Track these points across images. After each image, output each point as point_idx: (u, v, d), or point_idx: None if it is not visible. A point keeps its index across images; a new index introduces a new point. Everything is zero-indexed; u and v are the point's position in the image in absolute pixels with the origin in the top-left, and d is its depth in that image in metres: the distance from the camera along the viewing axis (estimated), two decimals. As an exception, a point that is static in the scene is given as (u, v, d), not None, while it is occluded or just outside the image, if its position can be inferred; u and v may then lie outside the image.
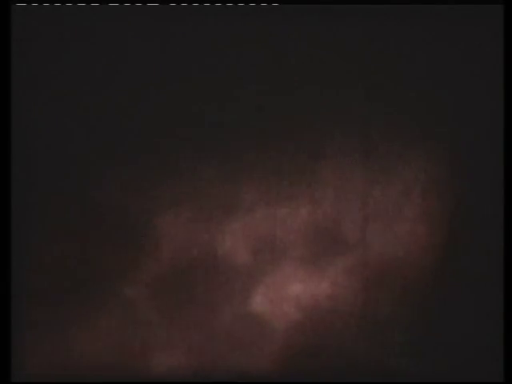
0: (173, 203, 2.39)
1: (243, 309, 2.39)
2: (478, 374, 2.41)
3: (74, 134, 2.39)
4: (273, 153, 2.40)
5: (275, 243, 2.39)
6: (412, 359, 2.41)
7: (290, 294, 2.40)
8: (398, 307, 2.41)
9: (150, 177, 2.39)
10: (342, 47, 2.40)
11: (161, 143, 2.39)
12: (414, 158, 2.41)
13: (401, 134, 2.41)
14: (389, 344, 2.41)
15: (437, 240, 2.41)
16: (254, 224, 2.39)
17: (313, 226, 2.40)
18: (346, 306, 2.41)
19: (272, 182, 2.40)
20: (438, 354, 2.41)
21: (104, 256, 2.39)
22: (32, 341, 2.39)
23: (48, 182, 2.38)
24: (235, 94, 2.40)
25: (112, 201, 2.39)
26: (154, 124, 2.39)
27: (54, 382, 2.40)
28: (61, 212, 2.38)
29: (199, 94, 2.40)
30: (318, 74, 2.41)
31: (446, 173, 2.41)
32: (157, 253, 2.39)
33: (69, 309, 2.39)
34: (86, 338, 2.39)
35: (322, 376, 2.38)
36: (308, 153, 2.40)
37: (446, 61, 2.41)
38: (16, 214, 2.38)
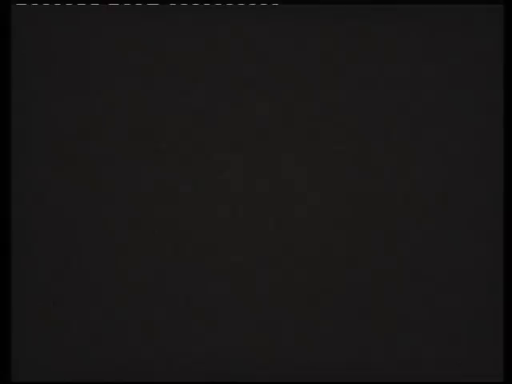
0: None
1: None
2: (478, 374, 2.41)
3: (74, 134, 2.39)
4: (273, 153, 2.40)
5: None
6: (411, 359, 2.41)
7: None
8: (396, 307, 2.41)
9: (151, 177, 2.39)
10: (341, 47, 2.40)
11: (162, 144, 2.39)
12: (413, 158, 2.41)
13: (399, 134, 2.41)
14: (388, 344, 2.41)
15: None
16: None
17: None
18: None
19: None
20: (437, 353, 2.41)
21: (104, 256, 2.39)
22: (32, 340, 2.39)
23: (48, 182, 2.39)
24: (235, 94, 2.40)
25: (112, 200, 2.39)
26: (154, 124, 2.40)
27: (54, 381, 2.40)
28: (61, 212, 2.39)
29: (200, 93, 2.40)
30: (318, 73, 2.41)
31: (445, 173, 2.41)
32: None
33: (69, 309, 2.39)
34: (86, 337, 2.39)
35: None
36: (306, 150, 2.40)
37: (445, 61, 2.41)
38: (16, 213, 2.38)
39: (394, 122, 2.41)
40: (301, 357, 2.41)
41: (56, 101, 2.39)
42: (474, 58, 2.41)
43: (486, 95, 2.41)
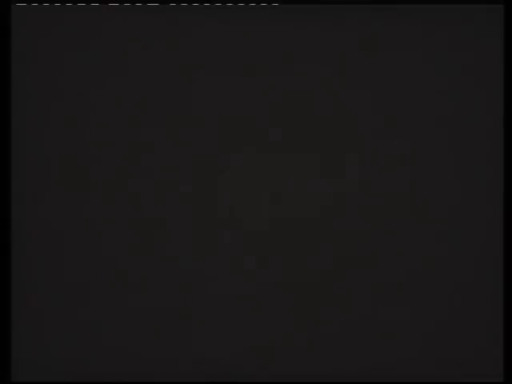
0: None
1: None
2: (478, 374, 2.41)
3: (74, 135, 2.39)
4: (273, 153, 2.40)
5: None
6: (411, 359, 2.41)
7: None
8: (396, 306, 2.41)
9: (152, 178, 2.39)
10: (341, 47, 2.41)
11: (162, 144, 2.39)
12: (413, 158, 2.41)
13: (399, 134, 2.41)
14: (388, 344, 2.41)
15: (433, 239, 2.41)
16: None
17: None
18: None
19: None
20: (437, 353, 2.41)
21: (105, 256, 2.39)
22: (32, 340, 2.39)
23: (48, 183, 2.39)
24: (235, 94, 2.40)
25: (113, 201, 2.39)
26: (154, 124, 2.40)
27: (54, 381, 2.40)
28: (61, 212, 2.39)
29: (200, 93, 2.40)
30: (318, 74, 2.41)
31: (445, 173, 2.42)
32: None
33: (70, 308, 2.39)
34: (86, 337, 2.39)
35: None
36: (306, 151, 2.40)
37: (445, 61, 2.41)
38: (16, 214, 2.38)
39: (394, 121, 2.41)
40: (300, 357, 2.41)
41: (56, 101, 2.39)
42: (474, 58, 2.41)
43: (486, 95, 2.41)
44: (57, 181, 2.39)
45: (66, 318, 2.39)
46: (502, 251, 2.41)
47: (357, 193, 2.40)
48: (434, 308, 2.41)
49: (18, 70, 2.38)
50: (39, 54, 2.38)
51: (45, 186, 2.39)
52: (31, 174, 2.38)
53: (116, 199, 2.39)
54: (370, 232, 2.40)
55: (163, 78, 2.40)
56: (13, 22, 2.38)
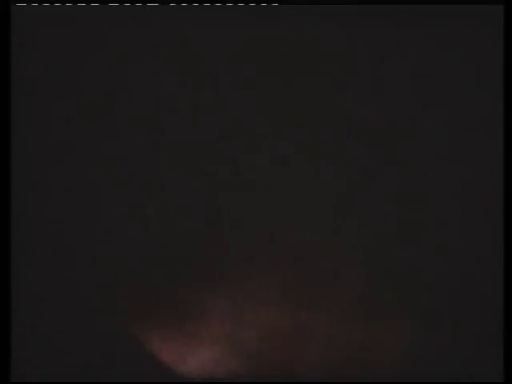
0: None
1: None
2: (478, 374, 2.41)
3: (73, 135, 2.39)
4: (272, 152, 2.40)
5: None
6: (411, 359, 2.41)
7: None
8: (396, 307, 2.41)
9: (152, 178, 2.39)
10: (341, 47, 2.40)
11: (162, 144, 2.39)
12: (413, 158, 2.41)
13: (399, 134, 2.41)
14: (388, 344, 2.41)
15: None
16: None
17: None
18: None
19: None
20: (437, 353, 2.41)
21: (106, 256, 2.39)
22: (32, 340, 2.39)
23: (48, 183, 2.39)
24: (235, 94, 2.40)
25: (113, 201, 2.39)
26: (155, 124, 2.39)
27: (54, 382, 2.40)
28: (61, 212, 2.38)
29: (200, 93, 2.40)
30: (318, 74, 2.41)
31: (445, 173, 2.41)
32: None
33: (70, 309, 2.39)
34: (87, 338, 2.39)
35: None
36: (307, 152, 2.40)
37: (445, 61, 2.41)
38: (16, 214, 2.38)
39: (394, 121, 2.41)
40: (300, 356, 2.41)
41: (56, 101, 2.39)
42: (474, 58, 2.41)
43: (486, 95, 2.41)
44: (57, 180, 2.39)
45: (66, 318, 2.39)
46: (502, 251, 2.40)
47: (356, 193, 2.40)
48: (434, 308, 2.41)
49: (17, 70, 2.38)
50: (39, 53, 2.38)
51: (45, 186, 2.38)
52: (31, 174, 2.38)
53: (117, 199, 2.39)
54: (369, 232, 2.40)
55: (163, 78, 2.40)
56: (13, 22, 2.37)
